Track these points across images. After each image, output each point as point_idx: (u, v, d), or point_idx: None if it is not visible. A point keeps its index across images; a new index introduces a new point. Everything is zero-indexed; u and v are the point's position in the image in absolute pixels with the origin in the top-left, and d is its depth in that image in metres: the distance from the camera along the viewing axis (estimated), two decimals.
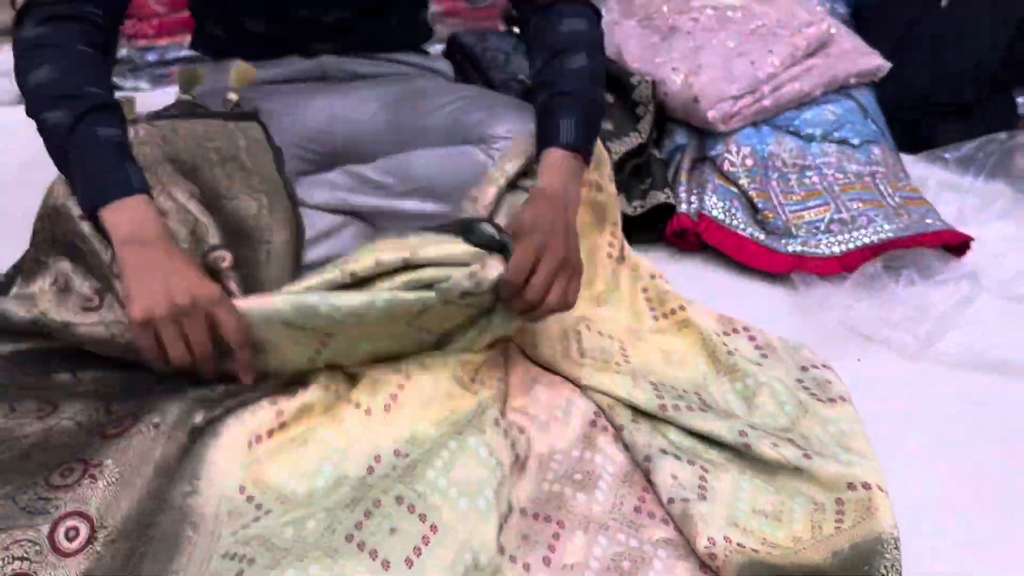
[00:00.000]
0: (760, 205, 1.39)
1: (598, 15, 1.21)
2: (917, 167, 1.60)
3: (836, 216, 1.39)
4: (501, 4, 2.00)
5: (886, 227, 1.36)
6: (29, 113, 1.05)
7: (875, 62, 1.57)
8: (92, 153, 1.02)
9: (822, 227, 1.38)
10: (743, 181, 1.41)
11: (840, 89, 1.55)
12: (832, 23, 1.63)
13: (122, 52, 1.93)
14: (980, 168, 1.58)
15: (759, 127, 1.48)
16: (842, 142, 1.49)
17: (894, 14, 1.81)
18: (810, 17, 1.61)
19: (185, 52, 1.91)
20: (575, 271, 1.03)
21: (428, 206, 1.31)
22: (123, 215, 0.99)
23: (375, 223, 1.37)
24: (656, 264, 1.40)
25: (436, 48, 1.78)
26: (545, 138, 1.14)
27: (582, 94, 1.14)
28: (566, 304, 1.02)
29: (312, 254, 1.31)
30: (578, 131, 1.13)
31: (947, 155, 1.61)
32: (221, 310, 0.93)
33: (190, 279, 0.94)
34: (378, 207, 1.33)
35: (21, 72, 1.06)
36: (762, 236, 1.38)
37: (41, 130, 1.05)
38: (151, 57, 1.91)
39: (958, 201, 1.52)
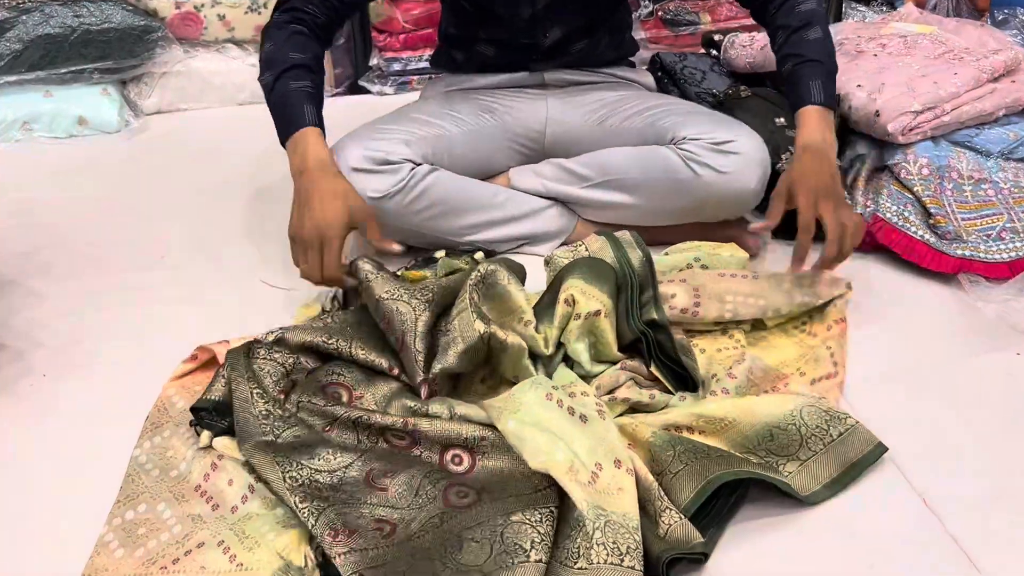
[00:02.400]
0: (932, 211, 1.49)
1: None
2: None
3: (1008, 225, 1.47)
4: (702, 31, 2.18)
5: None
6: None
7: None
8: (282, 100, 1.34)
9: (993, 235, 1.47)
10: (917, 188, 1.52)
11: (1022, 111, 1.63)
12: (1021, 51, 1.70)
13: (373, 61, 2.26)
14: None
15: (938, 141, 1.58)
16: (1021, 160, 1.57)
17: None
18: (998, 46, 1.70)
19: (423, 64, 2.21)
20: (847, 206, 1.30)
21: (618, 197, 1.52)
22: (296, 147, 1.31)
23: (574, 208, 1.59)
24: None
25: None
26: (799, 98, 1.37)
27: (824, 60, 1.39)
28: (843, 223, 1.28)
29: (520, 228, 1.55)
30: (825, 90, 1.36)
31: None
32: (328, 247, 1.22)
33: (322, 212, 1.23)
34: (577, 196, 1.55)
35: (260, 50, 1.40)
36: (932, 239, 1.48)
37: (263, 91, 1.38)
38: (396, 66, 2.23)
39: None
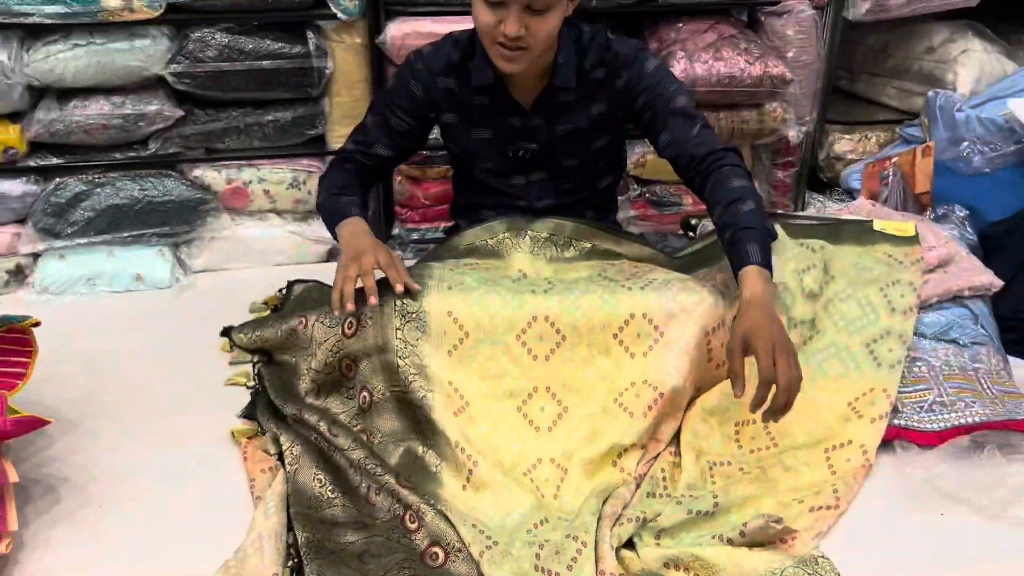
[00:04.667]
0: None
1: (742, 158, 1.69)
2: None
3: (938, 399, 1.68)
4: (684, 213, 2.46)
5: (981, 411, 1.64)
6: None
7: (987, 279, 1.88)
8: (332, 206, 1.75)
9: (925, 407, 1.68)
10: None
11: (955, 299, 1.86)
12: (956, 247, 1.96)
13: (395, 231, 2.54)
14: None
15: None
16: (951, 341, 1.79)
17: (1016, 243, 2.11)
18: (935, 241, 1.96)
19: (439, 235, 2.47)
20: (791, 351, 1.41)
21: None
22: (341, 231, 1.69)
23: None
24: None
25: None
26: (740, 260, 1.52)
27: (759, 227, 1.54)
28: (796, 376, 1.40)
29: None
30: (762, 252, 1.52)
31: None
32: (342, 269, 1.58)
33: (346, 247, 1.63)
34: None
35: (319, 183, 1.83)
36: None
37: (320, 214, 1.81)
38: (415, 236, 2.51)
39: None
